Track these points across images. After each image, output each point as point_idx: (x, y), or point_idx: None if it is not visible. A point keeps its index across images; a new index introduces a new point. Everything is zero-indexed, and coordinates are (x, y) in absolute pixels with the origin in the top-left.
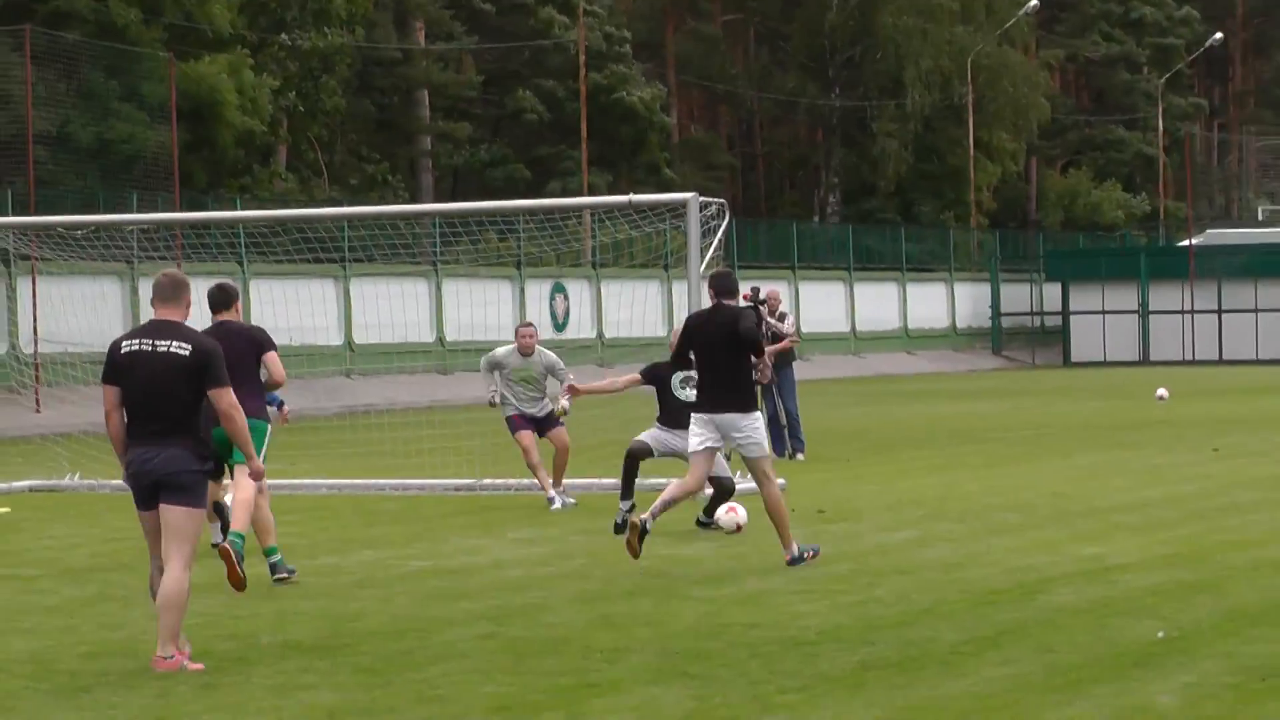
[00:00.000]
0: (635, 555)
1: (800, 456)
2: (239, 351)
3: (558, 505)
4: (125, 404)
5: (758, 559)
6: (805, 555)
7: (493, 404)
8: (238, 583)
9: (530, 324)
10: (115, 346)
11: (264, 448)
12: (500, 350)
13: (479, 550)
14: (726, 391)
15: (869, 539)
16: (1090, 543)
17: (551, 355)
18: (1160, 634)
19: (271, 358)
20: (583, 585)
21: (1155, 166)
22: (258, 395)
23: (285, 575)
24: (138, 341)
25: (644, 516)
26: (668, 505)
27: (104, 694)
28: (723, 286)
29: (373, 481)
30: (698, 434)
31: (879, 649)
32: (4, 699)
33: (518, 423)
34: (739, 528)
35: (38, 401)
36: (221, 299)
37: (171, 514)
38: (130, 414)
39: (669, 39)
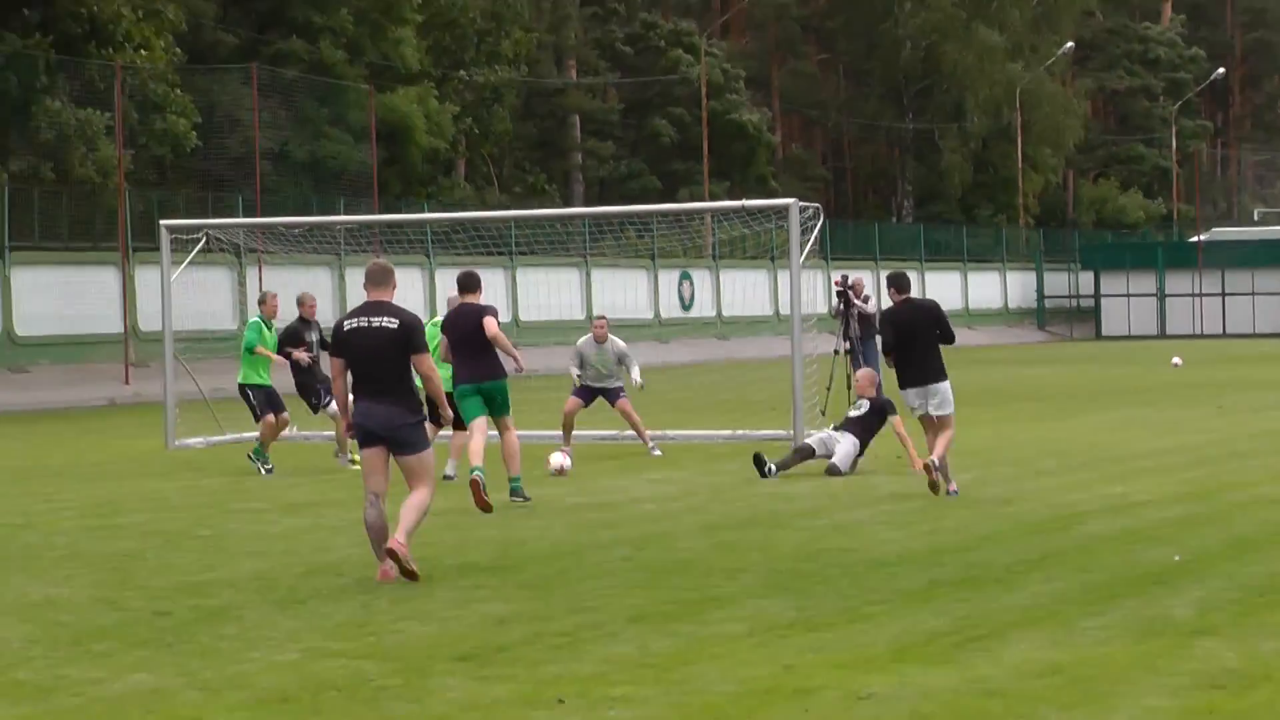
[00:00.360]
0: (936, 491)
1: None
2: (473, 327)
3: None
4: (350, 369)
5: (848, 497)
6: (949, 486)
7: (575, 381)
8: (484, 507)
9: (603, 316)
10: (339, 325)
11: (509, 401)
12: (580, 341)
13: (620, 489)
14: (930, 366)
15: None
16: (1117, 483)
17: (621, 345)
18: (1176, 558)
19: (487, 321)
20: (705, 517)
21: (1169, 177)
22: (496, 358)
23: (522, 500)
24: (357, 320)
25: (940, 475)
26: (943, 459)
27: (317, 605)
28: (903, 284)
29: (534, 433)
30: (917, 403)
31: (946, 569)
32: (236, 609)
33: (575, 390)
34: (561, 470)
35: None
36: (468, 283)
37: (405, 462)
38: (354, 376)
39: (774, 74)
